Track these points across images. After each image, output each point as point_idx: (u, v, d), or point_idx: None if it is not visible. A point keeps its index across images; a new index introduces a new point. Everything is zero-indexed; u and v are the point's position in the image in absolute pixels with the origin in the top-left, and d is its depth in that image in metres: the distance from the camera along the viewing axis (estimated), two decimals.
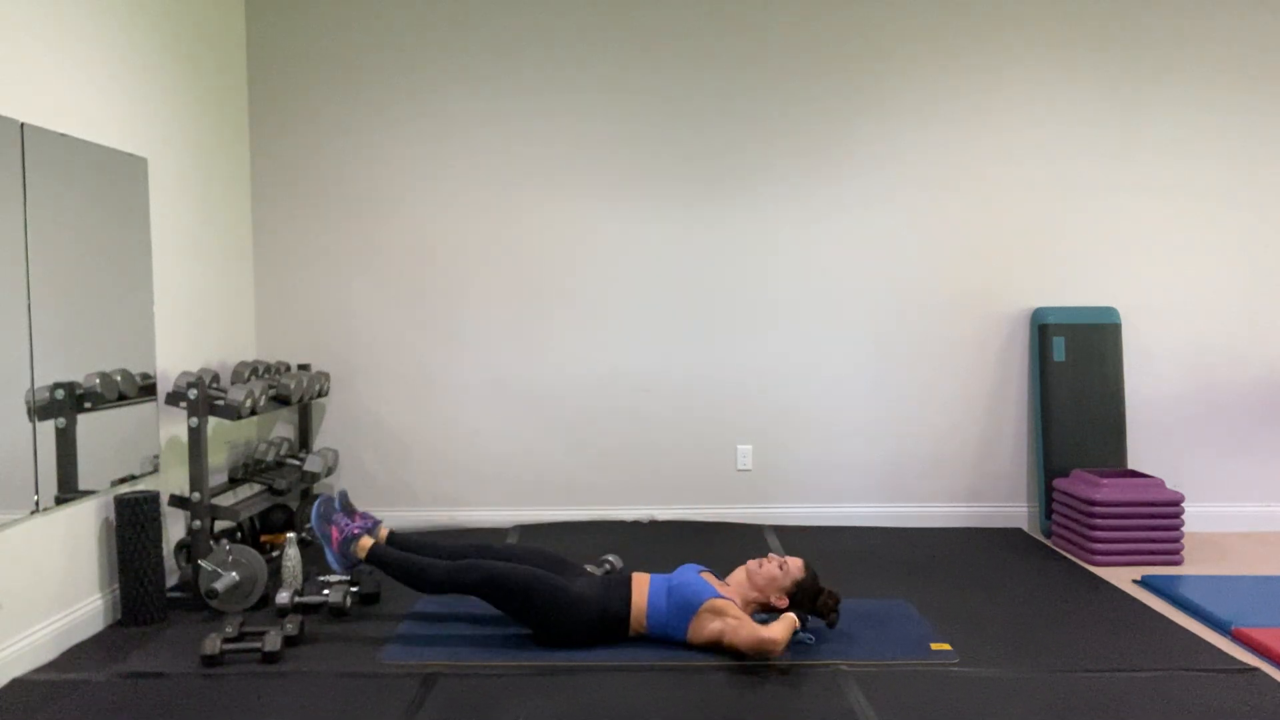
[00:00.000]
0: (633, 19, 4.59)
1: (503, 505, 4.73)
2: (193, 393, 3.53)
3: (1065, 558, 4.20)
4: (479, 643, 3.12)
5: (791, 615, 3.02)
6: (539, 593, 3.05)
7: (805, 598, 3.14)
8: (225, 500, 4.26)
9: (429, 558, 3.20)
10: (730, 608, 3.03)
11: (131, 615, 3.33)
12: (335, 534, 3.20)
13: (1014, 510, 4.75)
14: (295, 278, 4.66)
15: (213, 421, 4.14)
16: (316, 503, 3.25)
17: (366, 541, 3.20)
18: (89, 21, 3.31)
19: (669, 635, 3.09)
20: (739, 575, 3.21)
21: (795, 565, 3.16)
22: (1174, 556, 4.08)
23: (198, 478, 3.55)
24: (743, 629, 2.96)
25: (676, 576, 3.14)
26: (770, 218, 4.65)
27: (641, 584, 3.15)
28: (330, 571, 3.94)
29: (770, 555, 3.20)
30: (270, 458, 4.26)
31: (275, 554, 4.06)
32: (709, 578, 3.17)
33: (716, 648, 3.04)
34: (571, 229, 4.66)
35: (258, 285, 4.67)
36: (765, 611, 3.17)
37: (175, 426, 3.85)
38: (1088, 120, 4.61)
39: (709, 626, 3.03)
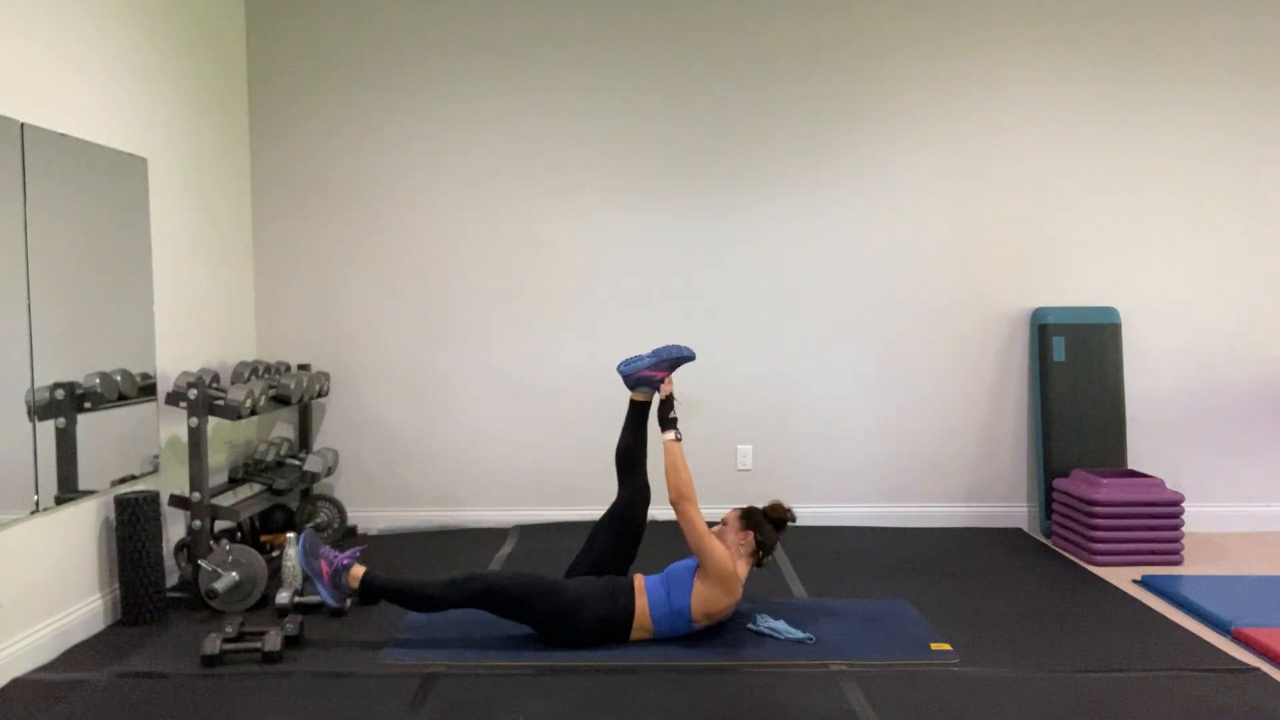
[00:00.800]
0: (633, 19, 4.59)
1: (503, 505, 4.73)
2: (193, 393, 3.53)
3: (1065, 558, 4.20)
4: (479, 643, 3.12)
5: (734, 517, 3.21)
6: (538, 598, 3.05)
7: (757, 518, 3.23)
8: (225, 500, 4.26)
9: (421, 578, 3.15)
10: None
11: (131, 615, 3.33)
12: (325, 567, 3.14)
13: (1014, 510, 4.75)
14: (295, 278, 4.66)
15: (213, 421, 4.14)
16: (300, 539, 3.17)
17: (358, 570, 3.15)
18: (89, 21, 3.31)
19: (675, 624, 3.09)
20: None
21: (729, 515, 3.28)
22: (1174, 556, 4.08)
23: (198, 478, 3.55)
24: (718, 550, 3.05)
25: (669, 569, 3.19)
26: (770, 217, 4.65)
27: (640, 585, 3.15)
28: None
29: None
30: (270, 458, 4.26)
31: (275, 554, 4.06)
32: None
33: (714, 616, 3.08)
34: (571, 229, 4.65)
35: (258, 285, 4.67)
36: (748, 562, 3.23)
37: (175, 426, 3.85)
38: (1088, 120, 4.61)
39: (704, 575, 3.07)
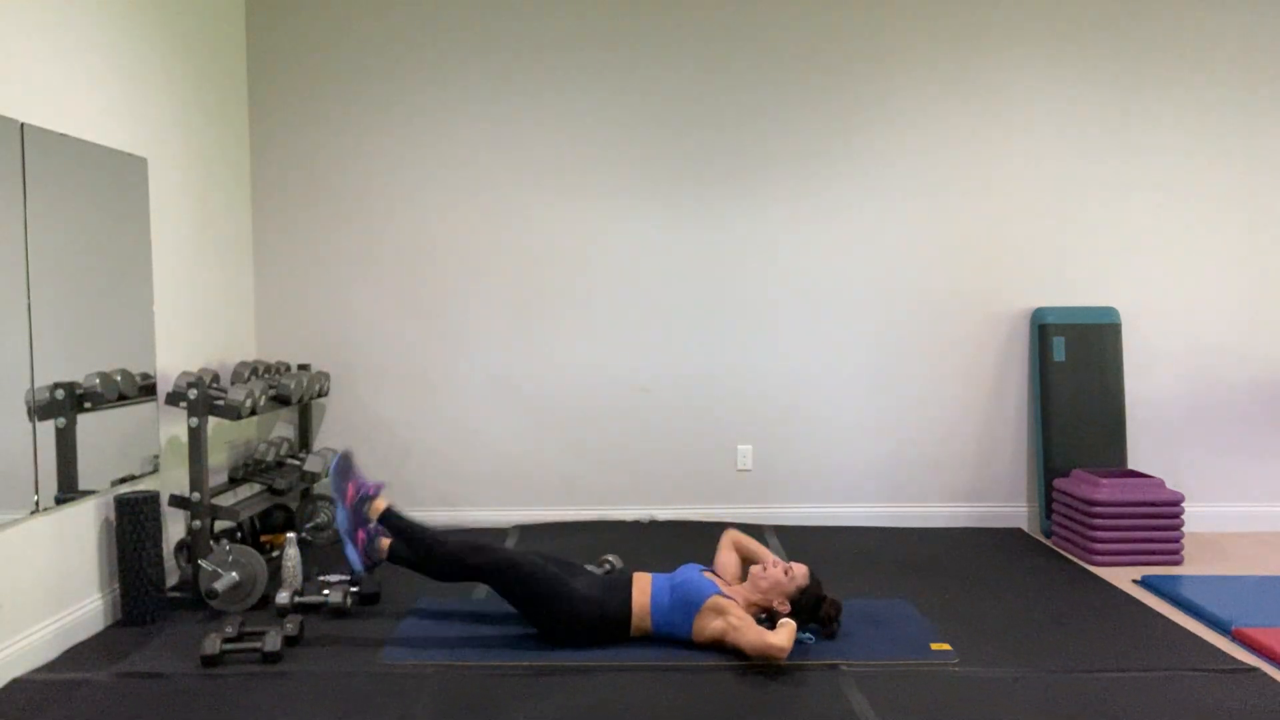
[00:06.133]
0: (633, 22, 4.59)
1: (503, 505, 4.73)
2: (193, 393, 3.53)
3: (1065, 558, 4.20)
4: (479, 643, 3.12)
5: (791, 622, 2.99)
6: (542, 582, 3.05)
7: (808, 605, 3.12)
8: (225, 500, 4.26)
9: (440, 533, 3.17)
10: (733, 607, 3.02)
11: (131, 615, 3.33)
12: (351, 490, 3.13)
13: (1014, 510, 4.75)
14: (295, 278, 4.66)
15: (213, 421, 4.14)
16: (336, 458, 3.20)
17: (380, 504, 3.15)
18: (89, 21, 3.31)
19: (674, 634, 3.09)
20: (742, 575, 3.20)
21: (800, 571, 3.14)
22: (1174, 556, 4.08)
23: (198, 478, 3.55)
24: (748, 631, 2.94)
25: (678, 575, 3.14)
26: (770, 218, 4.65)
27: (643, 583, 3.15)
28: (329, 571, 3.93)
29: (775, 560, 3.18)
30: (270, 458, 4.26)
31: (275, 554, 4.06)
32: (712, 576, 3.18)
33: (720, 646, 3.04)
34: (571, 229, 4.66)
35: (258, 285, 4.67)
36: (766, 614, 3.16)
37: (175, 426, 3.85)
38: (1088, 121, 4.61)
39: (712, 625, 3.02)
